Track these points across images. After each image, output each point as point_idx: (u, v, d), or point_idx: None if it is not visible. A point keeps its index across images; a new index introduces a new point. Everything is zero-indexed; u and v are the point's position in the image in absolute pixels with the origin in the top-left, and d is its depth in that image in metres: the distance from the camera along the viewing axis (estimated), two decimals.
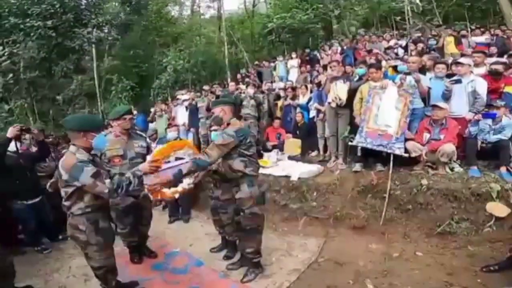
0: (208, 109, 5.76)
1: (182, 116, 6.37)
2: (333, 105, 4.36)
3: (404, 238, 3.26)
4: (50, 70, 9.90)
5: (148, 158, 2.41)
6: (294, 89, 6.14)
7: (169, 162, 2.47)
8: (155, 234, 4.14)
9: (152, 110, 7.14)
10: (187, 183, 2.63)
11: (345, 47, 8.05)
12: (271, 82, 7.12)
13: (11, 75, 8.26)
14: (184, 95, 6.82)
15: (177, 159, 2.58)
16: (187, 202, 4.47)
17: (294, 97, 5.91)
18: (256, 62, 10.26)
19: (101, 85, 11.27)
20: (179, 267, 3.13)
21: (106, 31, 10.13)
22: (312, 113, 5.32)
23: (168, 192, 2.48)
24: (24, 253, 3.55)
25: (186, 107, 6.44)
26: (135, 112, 8.44)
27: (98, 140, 2.29)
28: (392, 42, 7.75)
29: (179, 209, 4.58)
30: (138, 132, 3.32)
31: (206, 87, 6.98)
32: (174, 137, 4.51)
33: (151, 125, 6.43)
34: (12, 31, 8.59)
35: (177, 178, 2.34)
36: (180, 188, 2.59)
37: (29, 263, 3.19)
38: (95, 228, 2.14)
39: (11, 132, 2.83)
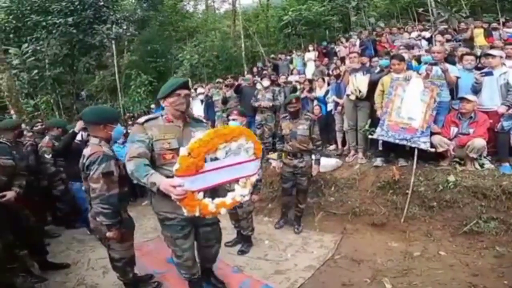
0: (224, 102, 5.76)
1: (197, 109, 6.40)
2: (352, 97, 4.24)
3: (426, 236, 3.13)
4: (73, 66, 10.20)
5: (176, 167, 1.53)
6: (310, 81, 6.03)
7: (216, 159, 1.64)
8: None
9: None
10: (239, 193, 1.79)
11: (364, 39, 7.80)
12: (287, 75, 7.01)
13: (36, 71, 8.53)
14: (199, 89, 6.83)
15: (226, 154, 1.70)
16: None
17: (310, 90, 5.80)
18: (272, 56, 10.15)
19: (121, 80, 11.49)
20: None
21: (124, 27, 10.32)
22: (330, 106, 5.21)
23: (210, 206, 1.63)
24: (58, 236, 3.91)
25: (202, 101, 6.46)
26: (152, 106, 8.61)
27: (116, 131, 2.24)
28: (414, 34, 7.44)
29: None
30: (196, 116, 2.33)
31: (220, 80, 6.94)
32: None
33: None
34: (35, 28, 8.85)
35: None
36: (229, 199, 1.75)
37: (52, 253, 3.25)
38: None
39: (78, 125, 3.34)
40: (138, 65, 12.43)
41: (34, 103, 9.34)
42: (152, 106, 8.74)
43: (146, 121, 1.94)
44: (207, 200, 1.63)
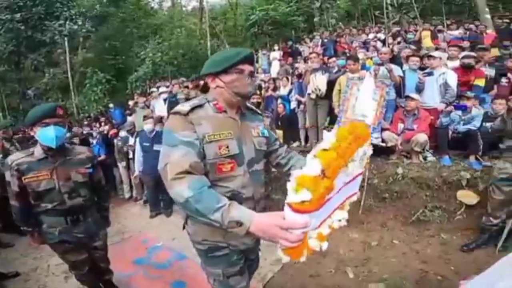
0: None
1: (160, 108, 6.22)
2: (313, 96, 4.42)
3: (382, 226, 3.35)
4: (19, 64, 9.45)
5: (301, 196, 0.85)
6: (274, 80, 6.15)
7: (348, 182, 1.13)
8: (137, 229, 4.10)
9: (131, 103, 6.95)
10: (338, 217, 1.23)
11: (325, 40, 8.11)
12: None
13: None
14: (162, 87, 6.65)
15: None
16: (168, 195, 4.38)
17: (275, 89, 5.92)
18: None
19: (74, 78, 10.84)
20: (162, 261, 3.10)
21: (80, 23, 9.75)
22: (293, 104, 5.36)
23: (313, 242, 1.05)
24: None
25: (165, 100, 6.30)
26: (111, 105, 8.24)
27: (41, 135, 1.78)
28: (371, 36, 7.88)
29: (161, 203, 4.52)
30: (251, 106, 1.48)
31: (184, 79, 6.82)
32: (150, 130, 4.35)
33: (129, 118, 6.24)
34: None
35: None
36: (326, 229, 1.16)
37: (6, 261, 3.16)
38: None
39: None
40: (95, 62, 11.85)
41: None
42: (110, 105, 8.33)
43: (192, 109, 1.20)
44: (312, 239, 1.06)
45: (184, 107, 1.20)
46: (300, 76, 5.24)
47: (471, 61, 3.84)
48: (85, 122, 7.08)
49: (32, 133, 1.84)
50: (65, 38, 9.48)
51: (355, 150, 1.05)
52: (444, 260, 2.69)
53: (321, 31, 9.43)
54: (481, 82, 3.74)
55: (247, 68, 1.26)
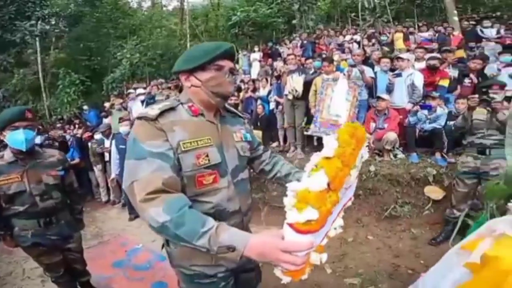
0: None
1: (137, 110, 6.12)
2: (290, 97, 4.50)
3: (357, 222, 3.48)
4: None
5: (306, 215, 0.74)
6: (254, 81, 6.21)
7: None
8: (115, 232, 4.03)
9: (106, 104, 6.78)
10: (334, 226, 1.11)
11: (304, 41, 8.26)
12: None
13: None
14: (139, 89, 6.53)
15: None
16: None
17: (254, 90, 5.98)
18: None
19: (46, 79, 10.47)
20: (142, 263, 3.09)
21: (53, 23, 9.39)
22: (272, 105, 5.44)
23: (313, 256, 0.88)
24: None
25: (142, 101, 6.20)
26: (85, 107, 8.01)
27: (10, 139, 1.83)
28: (348, 37, 8.11)
29: None
30: (231, 108, 1.34)
31: (162, 80, 6.74)
32: (127, 132, 4.28)
33: (105, 120, 6.09)
34: None
35: None
36: (325, 240, 1.05)
37: None
38: None
39: None
40: (68, 63, 11.47)
41: None
42: (85, 107, 8.09)
43: (162, 112, 1.02)
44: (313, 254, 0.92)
45: (152, 110, 1.00)
46: (278, 77, 5.33)
47: (436, 63, 4.06)
48: (58, 125, 6.83)
49: (1, 137, 1.85)
50: (36, 38, 9.17)
51: (357, 155, 0.95)
52: (415, 254, 2.83)
53: (299, 33, 9.60)
54: (445, 83, 3.96)
55: (227, 64, 1.07)
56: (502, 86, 2.84)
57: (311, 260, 0.86)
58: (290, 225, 0.75)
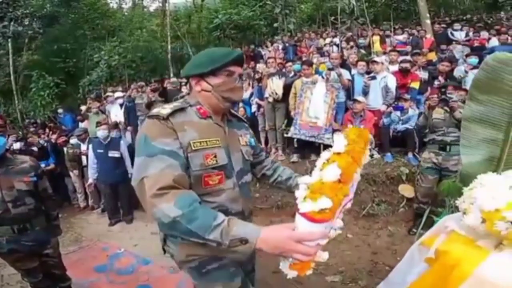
0: (148, 106, 5.54)
1: (116, 114, 6.00)
2: (270, 99, 4.57)
3: None
4: None
5: (320, 204, 0.80)
6: None
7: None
8: (95, 237, 3.95)
9: (83, 108, 6.57)
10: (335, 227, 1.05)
11: (286, 44, 8.36)
12: None
13: None
14: (117, 92, 6.39)
15: None
16: (127, 202, 4.28)
17: None
18: None
19: (18, 81, 10.12)
20: (125, 267, 3.06)
21: (26, 23, 9.00)
22: (254, 108, 5.47)
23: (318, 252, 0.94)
24: None
25: (121, 105, 6.08)
26: (60, 110, 7.74)
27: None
28: (327, 40, 8.28)
29: (120, 210, 4.38)
30: (235, 113, 1.37)
31: (143, 83, 6.62)
32: (105, 136, 4.19)
33: (81, 124, 5.91)
34: None
35: None
36: (326, 240, 0.99)
37: None
38: None
39: None
40: (42, 65, 11.03)
41: None
42: (60, 110, 7.81)
43: (173, 112, 1.05)
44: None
45: (164, 110, 1.04)
46: (260, 80, 5.38)
47: (408, 65, 4.25)
48: (32, 129, 6.55)
49: None
50: (9, 40, 8.76)
51: (363, 154, 0.99)
52: (392, 251, 2.94)
53: (281, 35, 9.70)
54: (416, 85, 4.16)
55: (237, 70, 1.13)
56: (457, 87, 3.05)
57: (316, 257, 0.89)
58: (304, 214, 0.80)
